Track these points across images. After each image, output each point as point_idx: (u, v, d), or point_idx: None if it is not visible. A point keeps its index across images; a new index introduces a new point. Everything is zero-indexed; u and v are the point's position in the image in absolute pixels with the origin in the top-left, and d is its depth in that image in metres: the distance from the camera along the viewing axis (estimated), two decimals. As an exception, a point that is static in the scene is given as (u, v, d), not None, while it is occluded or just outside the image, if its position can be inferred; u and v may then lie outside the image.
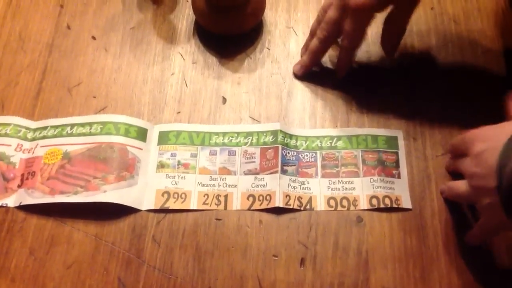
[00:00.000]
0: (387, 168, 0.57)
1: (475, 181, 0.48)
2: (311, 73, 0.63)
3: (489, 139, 0.47)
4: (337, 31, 0.58)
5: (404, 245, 0.53)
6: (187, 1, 0.68)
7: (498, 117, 0.49)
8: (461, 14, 0.67)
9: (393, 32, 0.59)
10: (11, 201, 0.55)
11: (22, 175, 0.57)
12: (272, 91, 0.62)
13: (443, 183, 0.56)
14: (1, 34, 0.66)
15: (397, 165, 0.57)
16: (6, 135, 0.59)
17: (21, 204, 0.55)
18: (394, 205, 0.55)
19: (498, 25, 0.66)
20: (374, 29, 0.64)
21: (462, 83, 0.62)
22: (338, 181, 0.56)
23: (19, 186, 0.56)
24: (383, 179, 0.56)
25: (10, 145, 0.58)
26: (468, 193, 0.49)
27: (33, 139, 0.59)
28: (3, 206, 0.55)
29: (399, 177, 0.57)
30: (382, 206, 0.55)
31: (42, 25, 0.67)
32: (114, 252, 0.53)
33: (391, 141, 0.59)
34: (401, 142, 0.59)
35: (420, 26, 0.66)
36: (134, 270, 0.52)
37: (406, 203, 0.55)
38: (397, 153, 0.58)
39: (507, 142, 0.44)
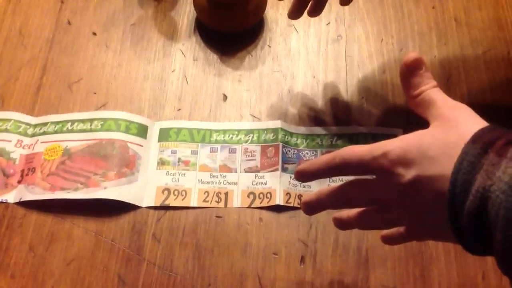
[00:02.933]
0: (388, 167, 0.57)
1: (415, 228, 0.39)
2: (312, 73, 0.63)
3: (417, 161, 0.33)
4: None
5: (403, 243, 0.53)
6: (188, -2, 0.68)
7: (500, 116, 0.49)
8: (462, 13, 0.67)
9: None
10: (11, 197, 0.55)
11: (22, 171, 0.57)
12: (273, 88, 0.62)
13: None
14: (1, 29, 0.66)
15: (397, 163, 0.57)
16: (6, 130, 0.58)
17: (21, 200, 0.55)
18: (394, 204, 0.55)
19: (499, 24, 0.66)
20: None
21: (463, 83, 0.62)
22: (339, 179, 0.56)
23: (19, 182, 0.56)
24: (383, 178, 0.56)
25: (10, 141, 0.58)
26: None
27: (33, 135, 0.59)
28: (3, 202, 0.55)
29: (399, 175, 0.57)
30: (382, 204, 0.55)
31: (43, 20, 0.67)
32: (114, 249, 0.53)
33: (392, 140, 0.59)
34: (401, 141, 0.59)
35: (421, 25, 0.66)
36: (134, 267, 0.52)
37: (406, 201, 0.55)
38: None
39: (458, 164, 0.31)
